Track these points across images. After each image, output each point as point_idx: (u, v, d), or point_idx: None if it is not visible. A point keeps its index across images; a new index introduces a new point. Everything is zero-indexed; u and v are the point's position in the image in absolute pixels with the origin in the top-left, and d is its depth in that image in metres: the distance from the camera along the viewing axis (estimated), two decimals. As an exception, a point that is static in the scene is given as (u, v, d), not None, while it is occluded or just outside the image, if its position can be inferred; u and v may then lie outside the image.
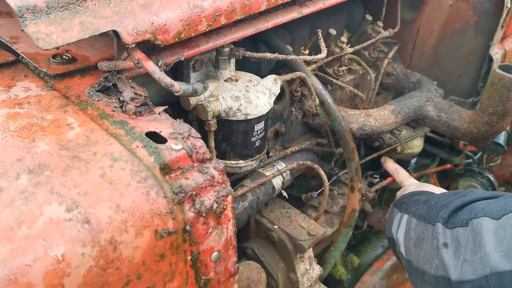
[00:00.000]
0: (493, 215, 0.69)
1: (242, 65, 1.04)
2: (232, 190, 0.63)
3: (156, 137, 0.62)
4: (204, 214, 0.59)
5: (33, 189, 0.51)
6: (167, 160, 0.59)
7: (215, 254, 0.64)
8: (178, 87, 0.67)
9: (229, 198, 0.62)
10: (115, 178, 0.54)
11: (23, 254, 0.47)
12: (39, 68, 0.70)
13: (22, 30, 0.82)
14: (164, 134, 0.62)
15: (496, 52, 1.29)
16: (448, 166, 1.62)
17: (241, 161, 0.98)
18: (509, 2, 1.23)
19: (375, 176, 1.40)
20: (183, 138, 0.62)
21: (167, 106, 0.68)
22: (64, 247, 0.48)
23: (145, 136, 0.61)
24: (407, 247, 0.87)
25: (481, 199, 0.76)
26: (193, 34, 0.74)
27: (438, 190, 1.02)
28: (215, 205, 0.60)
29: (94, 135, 0.60)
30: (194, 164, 0.61)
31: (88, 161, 0.56)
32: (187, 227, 0.58)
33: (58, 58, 0.72)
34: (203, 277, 0.64)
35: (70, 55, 0.74)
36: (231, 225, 0.64)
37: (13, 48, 0.75)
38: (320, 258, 1.29)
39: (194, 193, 0.59)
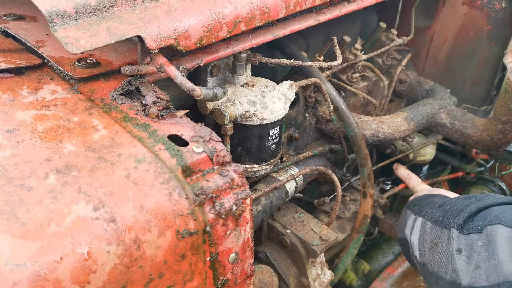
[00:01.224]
0: (507, 222, 0.69)
1: (257, 71, 1.05)
2: (251, 193, 0.64)
3: (178, 140, 0.63)
4: (223, 216, 0.61)
5: (61, 188, 0.53)
6: (188, 163, 0.60)
7: (233, 255, 0.65)
8: (199, 91, 0.68)
9: (248, 201, 0.63)
10: (139, 179, 0.56)
11: (52, 251, 0.48)
12: (65, 71, 0.72)
13: (47, 35, 0.84)
14: (185, 137, 0.64)
15: (510, 61, 1.28)
16: (460, 174, 1.62)
17: (255, 165, 0.99)
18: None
19: (387, 182, 1.41)
20: (204, 141, 0.63)
21: (188, 110, 0.70)
22: (91, 245, 0.50)
23: (167, 138, 0.63)
24: (422, 251, 0.87)
25: (496, 205, 0.76)
26: (213, 40, 0.75)
27: (452, 194, 1.02)
28: (234, 207, 0.62)
29: (119, 137, 0.61)
30: (215, 167, 0.62)
31: (113, 162, 0.57)
32: (207, 228, 0.59)
33: (82, 62, 0.74)
34: (221, 277, 0.65)
35: (94, 59, 0.75)
36: (249, 227, 0.66)
37: (39, 51, 0.77)
38: (331, 264, 1.30)
39: (215, 195, 0.60)
